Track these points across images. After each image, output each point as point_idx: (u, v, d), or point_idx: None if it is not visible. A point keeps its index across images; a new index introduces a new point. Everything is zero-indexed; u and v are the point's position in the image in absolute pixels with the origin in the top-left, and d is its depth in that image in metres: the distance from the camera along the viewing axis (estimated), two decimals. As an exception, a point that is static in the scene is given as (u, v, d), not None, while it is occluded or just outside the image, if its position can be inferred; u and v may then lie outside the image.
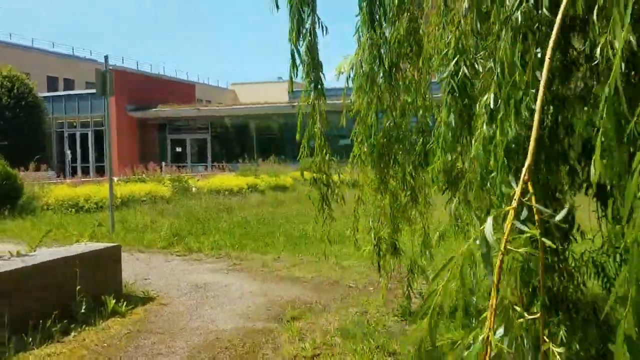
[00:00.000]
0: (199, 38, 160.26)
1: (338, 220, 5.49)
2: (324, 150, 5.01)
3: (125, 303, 6.24)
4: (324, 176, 5.04)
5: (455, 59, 2.86)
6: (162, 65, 70.03)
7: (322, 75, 4.70)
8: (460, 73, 2.84)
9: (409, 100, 5.68)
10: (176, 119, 40.12)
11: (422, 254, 5.90)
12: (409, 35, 5.20)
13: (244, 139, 38.76)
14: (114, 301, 6.11)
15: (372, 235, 5.69)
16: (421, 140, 5.65)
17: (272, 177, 23.41)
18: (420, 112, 5.80)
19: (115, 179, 15.99)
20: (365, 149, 5.38)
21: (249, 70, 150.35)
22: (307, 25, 4.40)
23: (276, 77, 57.55)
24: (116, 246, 6.89)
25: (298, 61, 4.48)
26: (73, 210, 15.54)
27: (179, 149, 40.70)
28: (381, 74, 4.86)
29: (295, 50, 4.42)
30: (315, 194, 5.10)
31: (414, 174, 5.54)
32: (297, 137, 4.93)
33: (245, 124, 38.74)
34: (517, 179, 3.19)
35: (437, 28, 5.06)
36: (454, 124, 2.97)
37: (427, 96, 5.80)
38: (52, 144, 38.99)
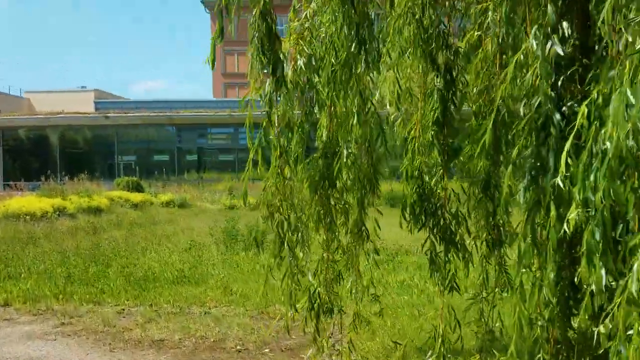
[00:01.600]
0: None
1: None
2: (286, 169, 3.38)
3: None
4: (286, 210, 3.37)
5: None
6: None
7: (282, 56, 3.10)
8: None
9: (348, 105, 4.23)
10: (-44, 129, 34.07)
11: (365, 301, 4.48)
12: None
13: (45, 153, 34.05)
14: None
15: (305, 288, 4.08)
16: (365, 160, 4.20)
17: (83, 198, 20.15)
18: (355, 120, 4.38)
19: None
20: (300, 170, 3.78)
21: (45, 78, 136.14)
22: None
23: (79, 85, 52.09)
24: None
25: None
26: None
27: (-41, 165, 34.52)
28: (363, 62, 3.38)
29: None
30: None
31: (363, 202, 4.06)
32: (249, 144, 3.29)
33: (46, 136, 34.00)
34: None
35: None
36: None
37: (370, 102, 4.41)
38: None
